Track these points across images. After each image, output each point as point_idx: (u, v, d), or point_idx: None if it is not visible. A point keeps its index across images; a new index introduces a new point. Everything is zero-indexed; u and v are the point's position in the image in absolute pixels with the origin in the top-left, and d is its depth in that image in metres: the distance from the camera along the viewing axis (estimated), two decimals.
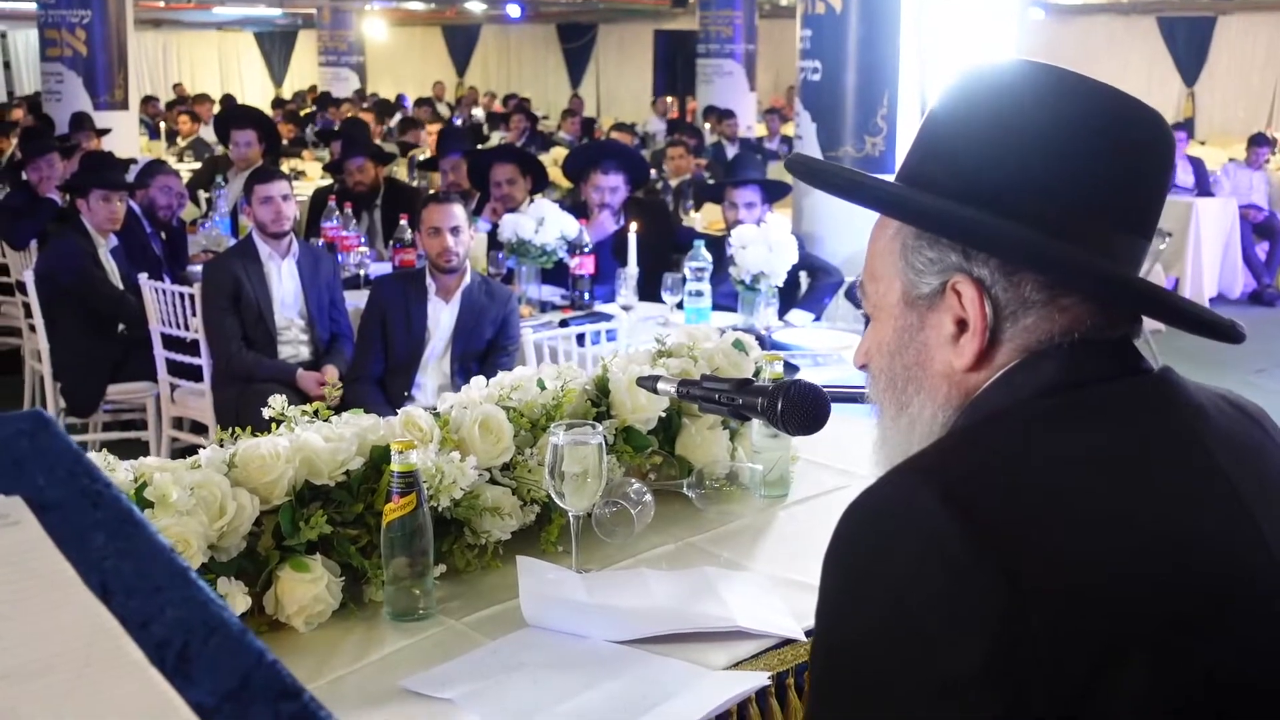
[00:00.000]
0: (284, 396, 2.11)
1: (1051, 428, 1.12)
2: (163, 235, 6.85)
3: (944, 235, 1.19)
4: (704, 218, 8.33)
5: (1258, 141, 11.44)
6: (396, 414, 2.19)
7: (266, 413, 2.08)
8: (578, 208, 6.38)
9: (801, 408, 1.81)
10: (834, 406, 1.86)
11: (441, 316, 4.85)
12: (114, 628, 0.68)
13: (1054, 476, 1.08)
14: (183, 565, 0.74)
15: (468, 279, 4.86)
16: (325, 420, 2.10)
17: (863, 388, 1.88)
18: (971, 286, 1.17)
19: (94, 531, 0.75)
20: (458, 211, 4.81)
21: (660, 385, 2.09)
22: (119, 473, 1.85)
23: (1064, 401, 1.13)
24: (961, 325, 1.18)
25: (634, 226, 5.60)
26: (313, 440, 1.99)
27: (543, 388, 2.35)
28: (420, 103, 18.68)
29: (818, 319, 5.60)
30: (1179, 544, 1.06)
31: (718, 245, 5.56)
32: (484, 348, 4.85)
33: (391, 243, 6.69)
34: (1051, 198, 1.15)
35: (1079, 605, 1.00)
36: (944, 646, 1.00)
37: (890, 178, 1.29)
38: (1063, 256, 1.14)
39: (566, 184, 8.31)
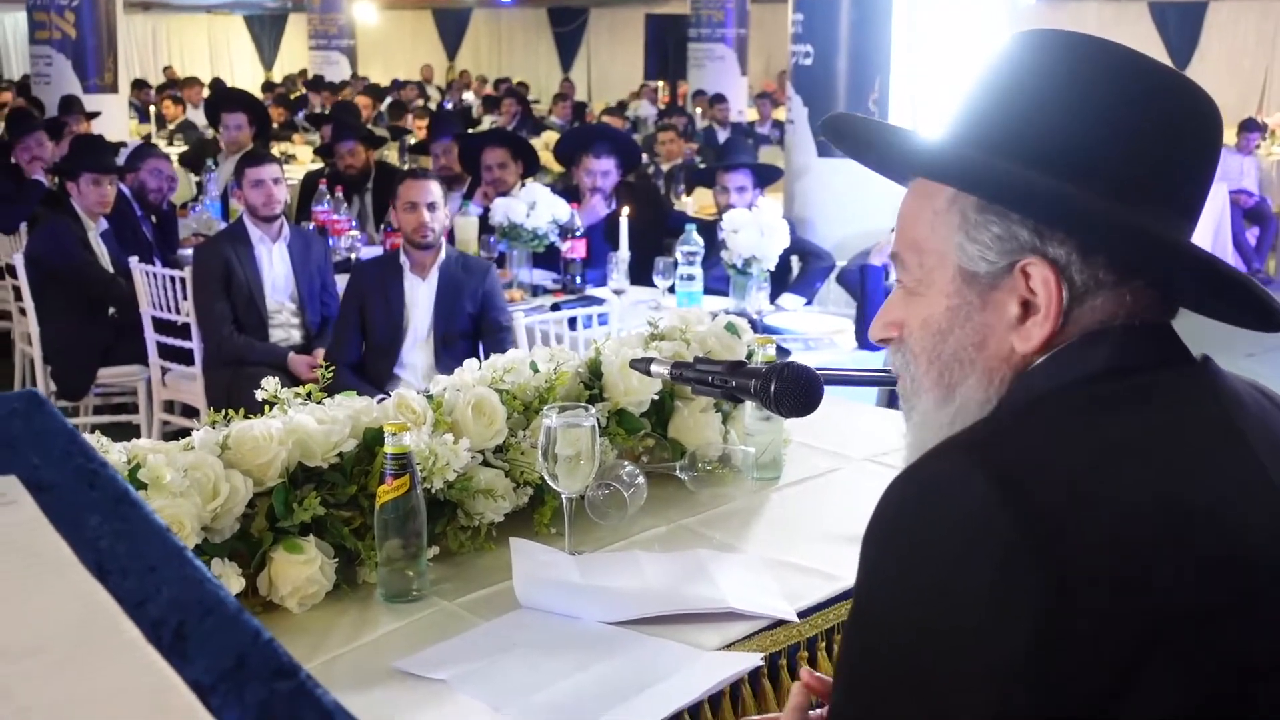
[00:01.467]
0: (276, 379, 2.10)
1: (1103, 412, 1.09)
2: (153, 219, 6.83)
3: (1021, 211, 1.11)
4: (695, 202, 8.33)
5: (1247, 127, 11.45)
6: (378, 396, 2.19)
7: (260, 395, 2.08)
8: (569, 192, 6.37)
9: (795, 390, 1.81)
10: (826, 389, 1.86)
11: (419, 293, 4.85)
12: (110, 607, 0.68)
13: (1102, 463, 1.05)
14: (178, 545, 0.74)
15: (443, 255, 4.87)
16: (318, 402, 2.10)
17: (855, 370, 1.87)
18: (1046, 268, 1.11)
19: (89, 511, 0.75)
20: (434, 188, 4.82)
21: (654, 368, 2.09)
22: (112, 455, 1.85)
23: (1114, 387, 1.10)
24: (1026, 306, 1.13)
25: (626, 210, 5.60)
26: (306, 422, 1.99)
27: (536, 370, 2.35)
28: (401, 85, 18.60)
29: (809, 303, 5.60)
30: (1217, 534, 1.04)
31: (709, 229, 5.56)
32: (470, 326, 4.84)
33: (382, 226, 6.68)
34: (1120, 173, 1.11)
35: (1120, 595, 0.98)
36: (988, 634, 0.98)
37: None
38: (1158, 237, 1.10)
39: (558, 168, 8.30)
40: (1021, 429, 1.10)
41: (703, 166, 8.93)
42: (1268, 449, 1.11)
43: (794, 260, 5.76)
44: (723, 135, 12.84)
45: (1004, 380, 1.15)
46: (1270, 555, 1.06)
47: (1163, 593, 0.99)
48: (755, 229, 5.15)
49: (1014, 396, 1.14)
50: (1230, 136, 11.94)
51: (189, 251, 6.21)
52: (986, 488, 1.00)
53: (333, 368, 2.32)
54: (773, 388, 1.81)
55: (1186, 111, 1.14)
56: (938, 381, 1.19)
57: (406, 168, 8.92)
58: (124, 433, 4.79)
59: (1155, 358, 1.13)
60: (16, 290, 6.34)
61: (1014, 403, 1.14)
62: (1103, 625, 0.97)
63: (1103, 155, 1.11)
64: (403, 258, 4.87)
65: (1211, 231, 10.63)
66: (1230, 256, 10.81)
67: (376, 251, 6.36)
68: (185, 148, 10.94)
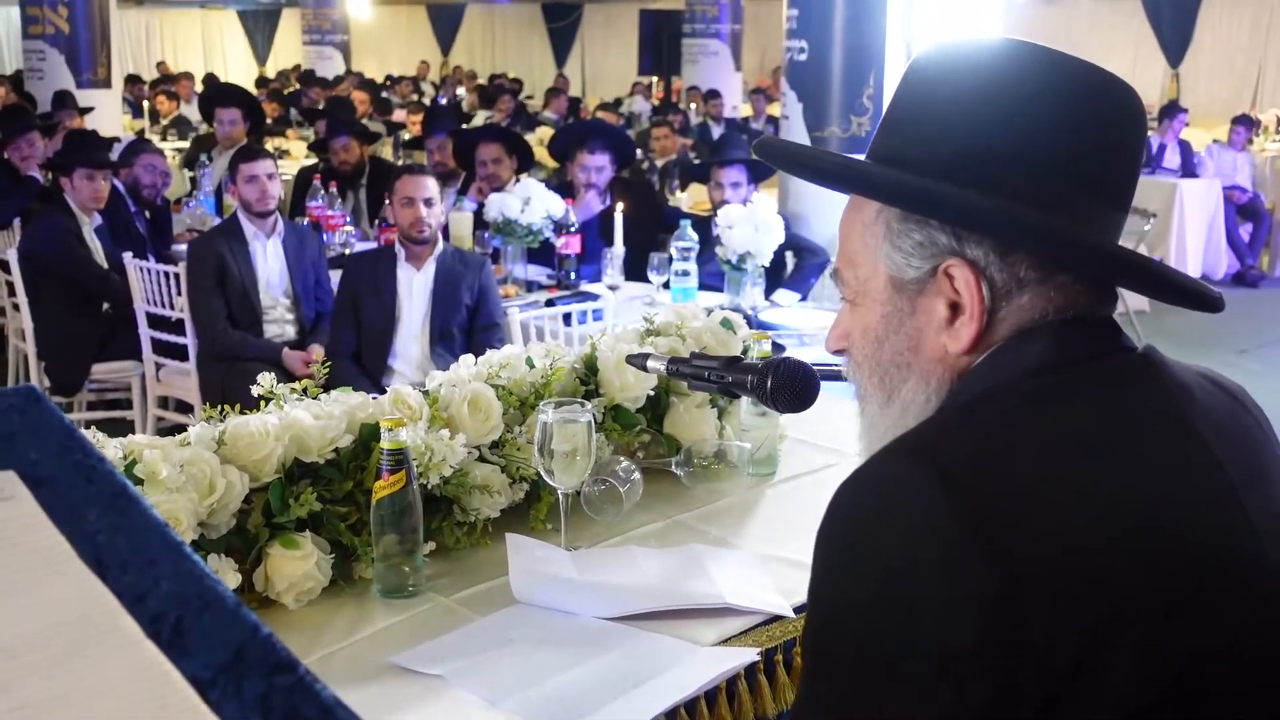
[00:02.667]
0: (272, 375, 2.10)
1: (1043, 406, 1.12)
2: (147, 214, 6.81)
3: (937, 217, 1.16)
4: (690, 197, 8.33)
5: (1240, 122, 11.46)
6: (374, 387, 2.19)
7: (256, 390, 2.07)
8: (564, 187, 6.37)
9: (791, 385, 1.82)
10: (822, 384, 1.86)
11: (414, 282, 4.87)
12: (109, 601, 0.68)
13: (1045, 456, 1.07)
14: (176, 540, 0.75)
15: (439, 248, 4.88)
16: (314, 398, 2.10)
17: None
18: (966, 269, 1.15)
19: (87, 506, 0.75)
20: (430, 184, 4.83)
21: (650, 363, 2.09)
22: (108, 450, 1.85)
23: (1054, 380, 1.13)
24: (955, 308, 1.17)
25: (620, 206, 5.60)
26: (302, 418, 1.99)
27: (531, 366, 2.35)
28: (396, 81, 18.56)
29: (804, 299, 5.61)
30: (1167, 524, 1.06)
31: (704, 225, 5.56)
32: (467, 320, 4.85)
33: (377, 222, 6.67)
34: (1034, 172, 1.14)
35: (1070, 586, 1.00)
36: (937, 625, 1.00)
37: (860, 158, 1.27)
38: (1063, 234, 1.13)
39: (553, 164, 8.30)
40: (963, 427, 1.13)
41: (697, 162, 8.94)
42: (1216, 438, 1.13)
43: (789, 256, 5.76)
44: (717, 131, 12.84)
45: (942, 381, 1.20)
46: (1223, 545, 1.07)
47: (1114, 584, 1.01)
48: (750, 225, 5.15)
49: (956, 396, 1.18)
50: (1223, 132, 11.97)
51: (183, 247, 6.21)
52: (929, 486, 1.03)
53: (329, 363, 2.32)
54: (769, 383, 1.82)
55: (1102, 103, 1.17)
56: (880, 386, 1.24)
57: (400, 163, 8.92)
58: (118, 428, 4.79)
59: (1091, 350, 1.15)
60: (10, 286, 6.33)
61: (955, 402, 1.18)
62: (1052, 616, 0.99)
63: (1020, 155, 1.14)
64: (398, 247, 4.89)
65: (1205, 227, 10.64)
66: (1223, 253, 10.83)
67: (371, 246, 6.35)
68: (180, 142, 10.93)
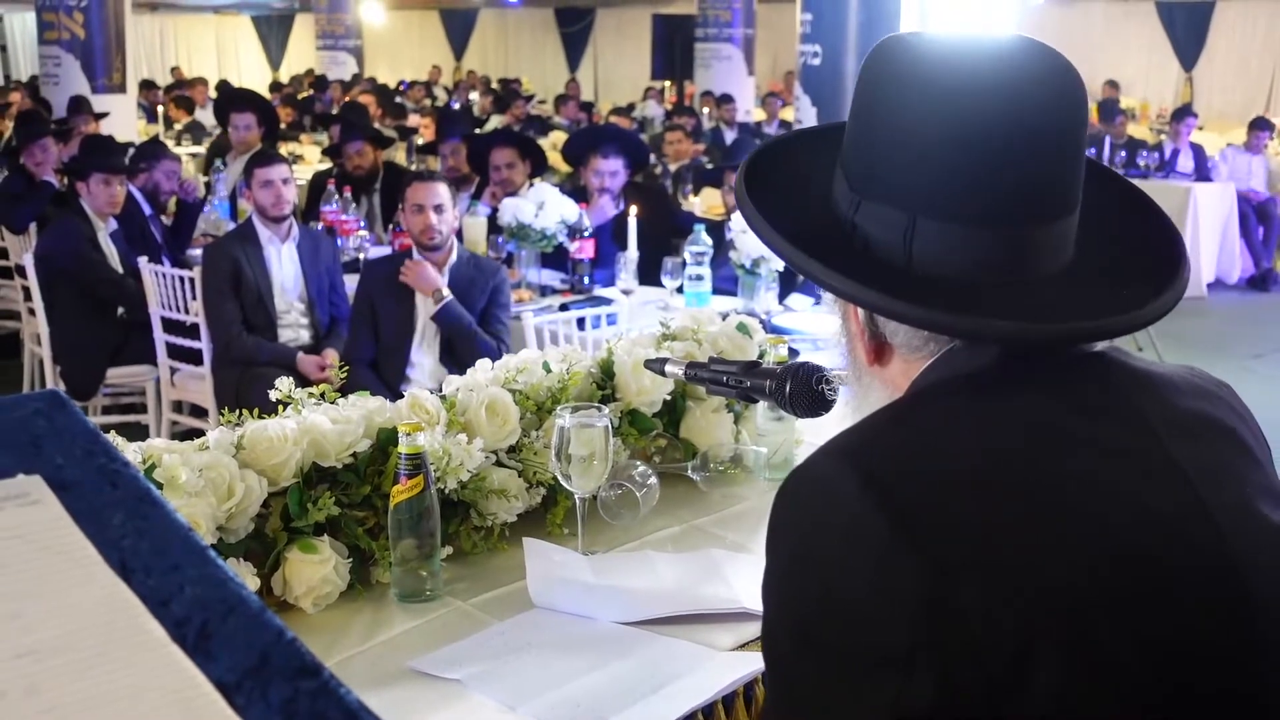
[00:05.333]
0: (290, 379, 2.11)
1: (976, 402, 1.12)
2: (163, 217, 6.83)
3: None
4: (703, 202, 8.32)
5: (1258, 125, 11.41)
6: (391, 396, 2.20)
7: (273, 395, 2.08)
8: (577, 192, 6.37)
9: (809, 390, 1.81)
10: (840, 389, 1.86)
11: None
12: (135, 605, 0.68)
13: (975, 451, 1.08)
14: (200, 544, 0.75)
15: (454, 257, 4.87)
16: (331, 403, 2.10)
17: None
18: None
19: (112, 510, 0.75)
20: (441, 190, 4.81)
21: (668, 368, 2.09)
22: (127, 455, 1.84)
23: (993, 378, 1.13)
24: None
25: (634, 210, 5.60)
26: (320, 422, 2.00)
27: (548, 370, 2.35)
28: (409, 85, 18.59)
29: (817, 303, 5.60)
30: (1112, 519, 1.05)
31: (717, 229, 5.56)
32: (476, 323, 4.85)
33: (391, 226, 6.68)
34: (953, 201, 1.12)
35: (1003, 580, 1.00)
36: (874, 624, 1.01)
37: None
38: (915, 316, 1.13)
39: (565, 168, 8.30)
40: (894, 426, 1.14)
41: (710, 167, 8.93)
42: (1178, 435, 1.12)
43: None
44: (730, 135, 12.83)
45: (897, 386, 1.22)
46: (1170, 536, 1.06)
47: (1047, 577, 1.01)
48: None
49: (903, 396, 1.20)
50: (1237, 136, 11.93)
51: (198, 252, 6.22)
52: (856, 489, 1.04)
53: (346, 367, 2.32)
54: (787, 388, 1.81)
55: (1009, 120, 1.11)
56: (853, 386, 1.30)
57: (414, 168, 8.94)
58: (132, 432, 4.79)
59: (1040, 352, 1.15)
60: (26, 290, 6.36)
61: (898, 401, 1.19)
62: (988, 611, 0.99)
63: (931, 187, 1.13)
64: (416, 255, 4.88)
65: (1219, 232, 10.61)
66: (1238, 257, 10.79)
67: (385, 252, 6.36)
68: (194, 147, 10.94)
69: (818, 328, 4.97)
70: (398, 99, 16.43)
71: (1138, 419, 1.12)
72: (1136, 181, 1.43)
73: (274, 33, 27.05)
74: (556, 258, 5.82)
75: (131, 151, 7.32)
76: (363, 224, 6.91)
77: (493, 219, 6.05)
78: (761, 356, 2.58)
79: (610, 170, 6.25)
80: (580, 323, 4.99)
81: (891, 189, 1.15)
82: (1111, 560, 1.03)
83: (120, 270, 5.92)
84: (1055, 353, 1.15)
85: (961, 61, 1.14)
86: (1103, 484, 1.07)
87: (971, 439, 1.09)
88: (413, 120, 12.99)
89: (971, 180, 1.12)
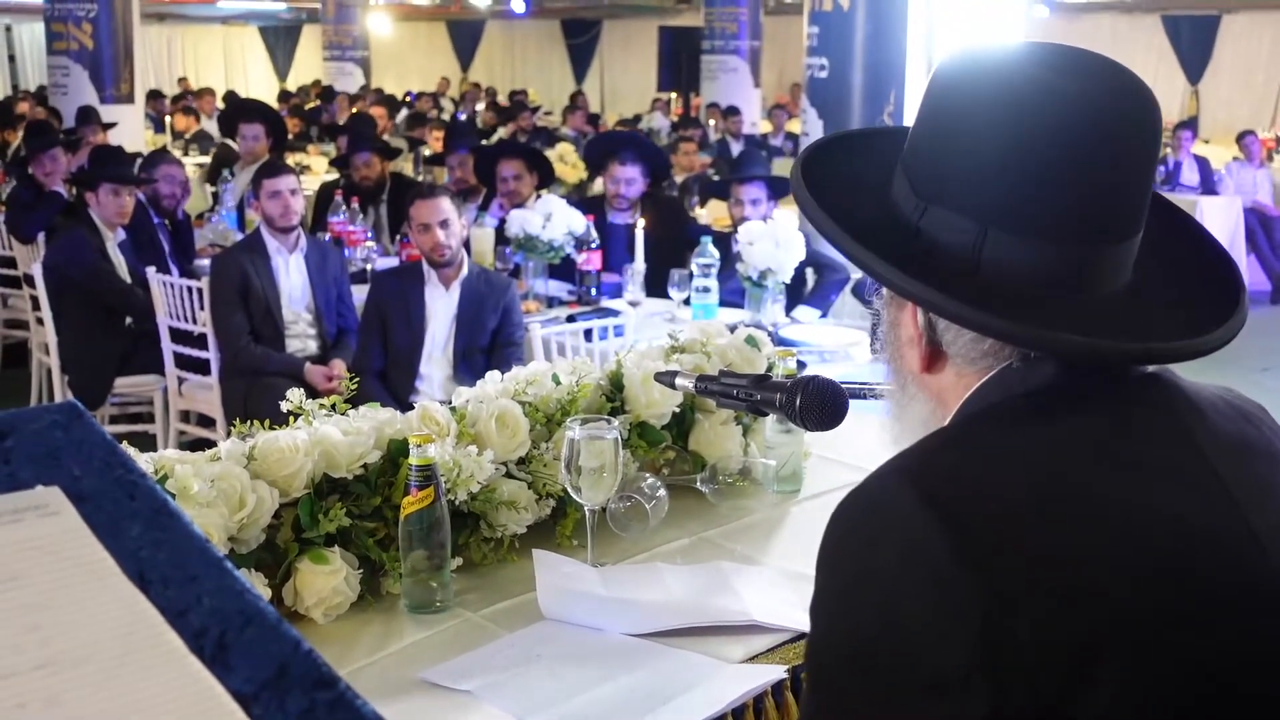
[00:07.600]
0: (301, 390, 2.11)
1: (1036, 423, 1.12)
2: (169, 225, 6.84)
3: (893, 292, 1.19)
4: (709, 214, 8.33)
5: (1249, 135, 11.36)
6: (400, 408, 2.20)
7: (284, 406, 2.08)
8: (585, 203, 6.37)
9: (820, 403, 1.82)
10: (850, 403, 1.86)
11: (439, 305, 4.86)
12: (154, 616, 0.68)
13: (1035, 473, 1.07)
14: (217, 555, 0.75)
15: (465, 270, 4.87)
16: (342, 414, 2.10)
17: (873, 383, 1.88)
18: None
19: (130, 521, 0.75)
20: (445, 205, 4.81)
21: (678, 381, 2.09)
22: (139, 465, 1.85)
23: (1051, 398, 1.13)
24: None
25: (641, 223, 5.60)
26: (331, 434, 2.00)
27: (558, 382, 2.35)
28: (417, 97, 18.61)
29: (824, 315, 5.60)
30: (1165, 541, 1.05)
31: (724, 241, 5.56)
32: (488, 340, 4.85)
33: (398, 237, 6.68)
34: (1031, 218, 1.13)
35: (1062, 604, 1.00)
36: (930, 646, 1.00)
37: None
38: (1039, 339, 1.12)
39: (572, 179, 8.31)
40: (953, 447, 1.14)
41: (717, 179, 8.93)
42: (1224, 457, 1.12)
43: (809, 272, 5.75)
44: (736, 147, 12.83)
45: (944, 398, 1.21)
46: (1222, 560, 1.06)
47: (1104, 601, 1.01)
48: (770, 241, 5.15)
49: (958, 415, 1.18)
50: (1236, 150, 11.92)
51: (206, 262, 6.23)
52: (916, 509, 1.03)
53: (357, 378, 2.32)
54: (798, 401, 1.82)
55: (1103, 142, 1.12)
56: (897, 395, 1.28)
57: (420, 179, 8.95)
58: (140, 442, 4.79)
59: (1099, 372, 1.14)
60: (34, 300, 6.37)
61: (953, 421, 1.18)
62: (1044, 634, 0.99)
63: (1007, 200, 1.13)
64: (426, 268, 4.88)
65: (1226, 245, 10.56)
66: (1245, 270, 10.78)
67: (392, 262, 6.37)
68: (201, 157, 10.96)
69: (824, 340, 4.97)
70: (408, 110, 16.43)
71: (1188, 441, 1.12)
72: None
73: (281, 43, 27.10)
74: (564, 269, 5.82)
75: (139, 161, 7.33)
76: (370, 235, 6.92)
77: (500, 230, 6.05)
78: (770, 369, 2.57)
79: (627, 177, 6.25)
80: (587, 334, 4.99)
81: (964, 198, 1.15)
82: (1163, 582, 1.03)
83: (128, 280, 5.94)
84: (1116, 374, 1.15)
85: (1044, 77, 1.14)
86: (1156, 506, 1.07)
87: (1030, 460, 1.09)
88: (419, 131, 12.99)
89: (1050, 197, 1.13)
